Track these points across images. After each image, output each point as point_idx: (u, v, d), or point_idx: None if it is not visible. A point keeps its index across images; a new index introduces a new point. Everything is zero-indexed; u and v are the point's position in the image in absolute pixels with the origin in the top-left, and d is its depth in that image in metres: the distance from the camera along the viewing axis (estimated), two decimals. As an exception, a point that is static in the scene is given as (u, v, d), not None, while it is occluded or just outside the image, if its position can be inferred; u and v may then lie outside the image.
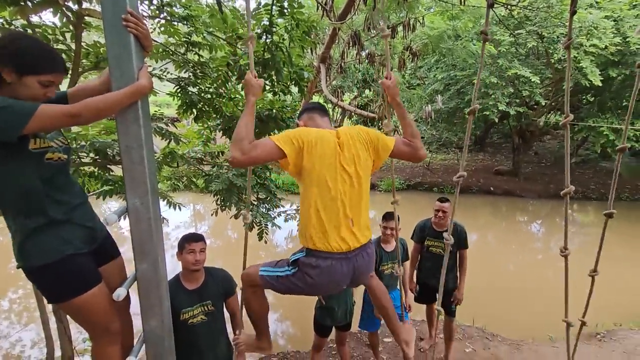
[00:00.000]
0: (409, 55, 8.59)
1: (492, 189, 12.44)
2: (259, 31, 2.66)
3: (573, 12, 1.49)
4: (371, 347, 3.56)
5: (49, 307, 2.36)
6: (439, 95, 12.26)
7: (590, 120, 10.47)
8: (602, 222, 1.51)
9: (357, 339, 4.06)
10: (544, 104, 11.06)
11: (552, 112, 12.40)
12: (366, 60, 9.21)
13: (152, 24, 2.91)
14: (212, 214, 3.82)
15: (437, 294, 3.31)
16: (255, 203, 3.82)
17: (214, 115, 3.28)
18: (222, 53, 3.02)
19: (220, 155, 3.79)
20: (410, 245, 3.50)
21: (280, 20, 2.76)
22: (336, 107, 14.31)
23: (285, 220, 4.75)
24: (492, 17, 8.33)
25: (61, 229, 1.42)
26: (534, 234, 9.77)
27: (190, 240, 2.12)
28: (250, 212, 3.80)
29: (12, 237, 1.42)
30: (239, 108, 3.22)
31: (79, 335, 4.26)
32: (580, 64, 8.86)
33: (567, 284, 1.62)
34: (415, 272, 3.56)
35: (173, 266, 1.89)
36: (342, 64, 8.01)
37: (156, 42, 2.82)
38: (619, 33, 8.74)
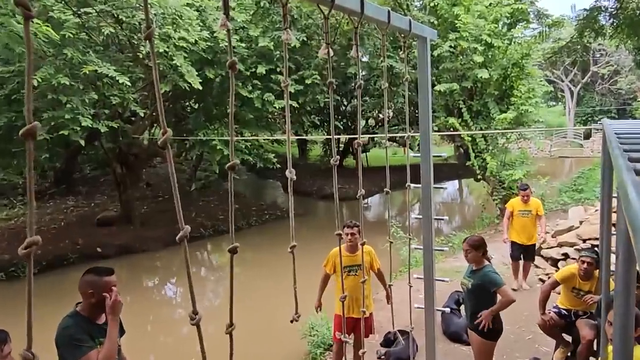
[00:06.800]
0: None
1: (99, 250, 8.69)
2: None
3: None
4: None
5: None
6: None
7: (200, 132, 9.55)
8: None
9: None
10: (143, 114, 9.09)
11: (155, 125, 10.33)
12: None
13: None
14: None
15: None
16: None
17: None
18: None
19: None
20: None
21: None
22: None
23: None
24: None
25: None
26: (170, 297, 8.29)
27: None
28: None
29: None
30: None
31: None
32: (174, 61, 7.50)
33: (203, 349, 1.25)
34: None
35: None
36: None
37: None
38: (205, 26, 8.17)
